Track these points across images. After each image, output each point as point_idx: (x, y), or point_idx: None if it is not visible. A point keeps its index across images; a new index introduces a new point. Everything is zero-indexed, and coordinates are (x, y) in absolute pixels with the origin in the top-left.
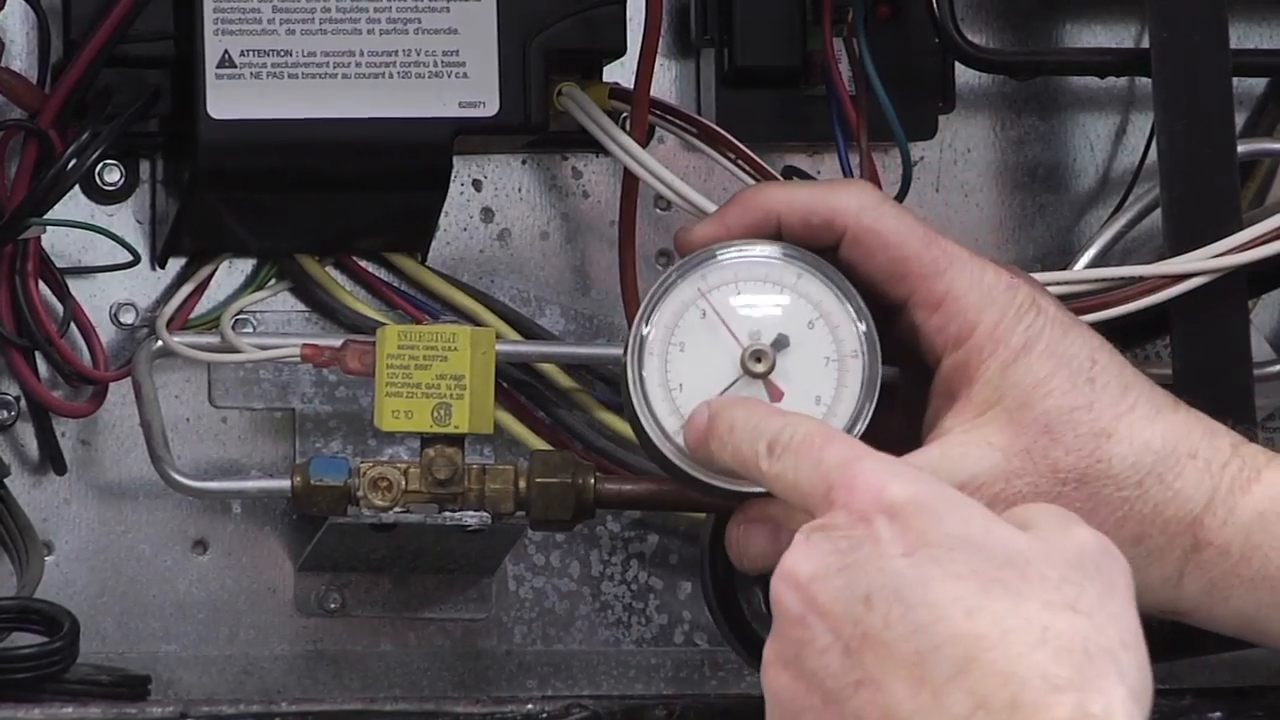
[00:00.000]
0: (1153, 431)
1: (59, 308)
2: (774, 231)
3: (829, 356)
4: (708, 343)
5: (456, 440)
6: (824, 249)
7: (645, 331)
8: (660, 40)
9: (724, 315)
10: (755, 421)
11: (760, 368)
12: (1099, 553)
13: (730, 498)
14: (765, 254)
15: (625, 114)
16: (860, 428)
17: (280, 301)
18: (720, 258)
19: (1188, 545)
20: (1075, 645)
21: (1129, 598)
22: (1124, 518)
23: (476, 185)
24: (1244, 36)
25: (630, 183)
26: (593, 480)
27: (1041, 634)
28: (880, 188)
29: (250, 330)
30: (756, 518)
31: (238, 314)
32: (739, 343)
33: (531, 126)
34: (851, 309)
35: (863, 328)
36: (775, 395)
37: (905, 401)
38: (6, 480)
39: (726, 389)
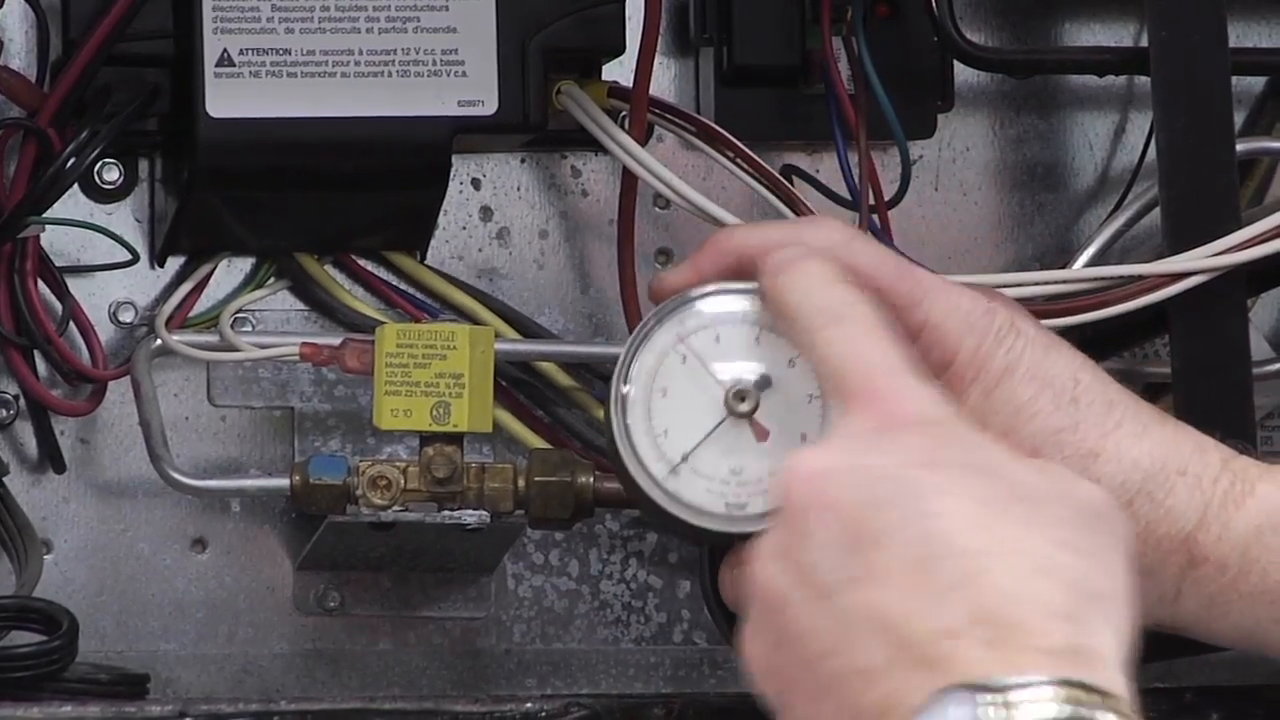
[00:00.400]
0: (1140, 449)
1: (58, 306)
2: (747, 274)
3: (811, 394)
4: (690, 387)
5: (455, 439)
6: None
7: (627, 380)
8: (659, 39)
9: (704, 358)
10: (830, 278)
11: (744, 407)
12: (1107, 507)
13: (719, 540)
14: (741, 294)
15: (624, 113)
16: None
17: (279, 300)
18: (696, 302)
19: (1183, 562)
20: (1075, 582)
21: (1128, 555)
22: None
23: (475, 184)
24: (1243, 35)
25: (629, 181)
26: (592, 479)
27: (1044, 563)
28: (879, 187)
29: (249, 329)
30: (748, 560)
31: (237, 312)
32: (721, 385)
33: (530, 125)
34: None
35: None
36: (761, 435)
37: None
38: (5, 479)
39: (712, 431)
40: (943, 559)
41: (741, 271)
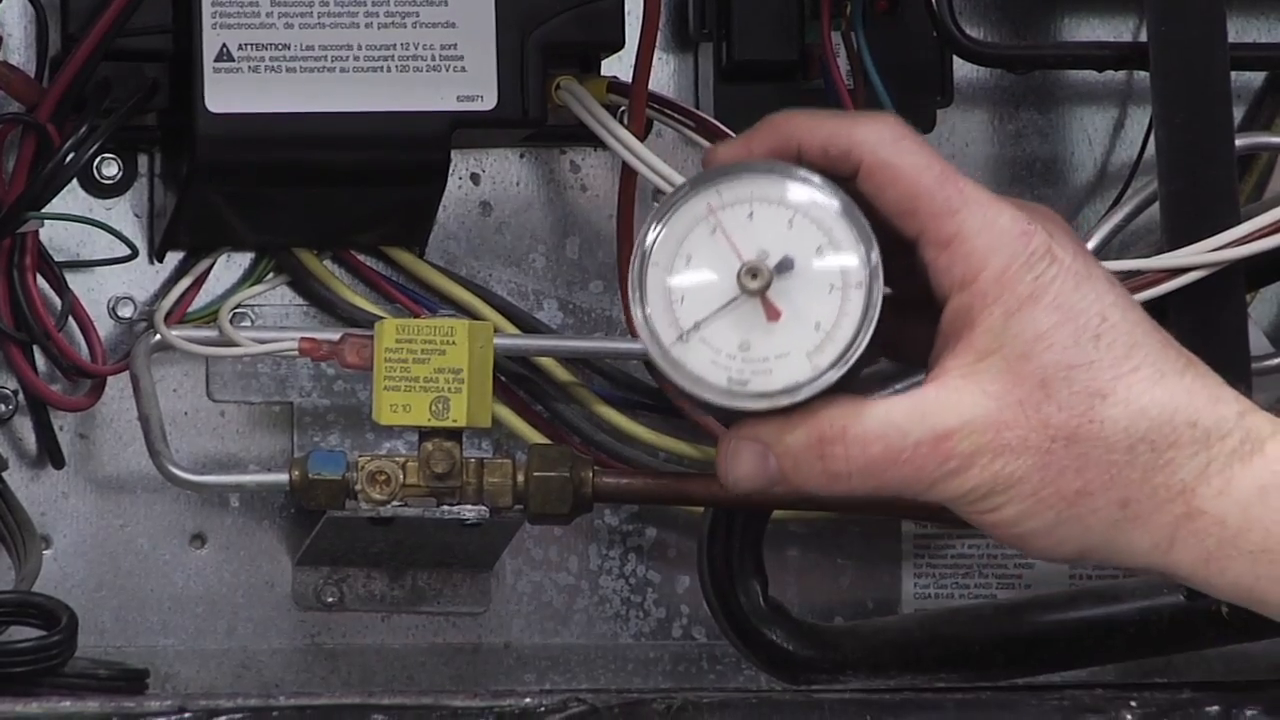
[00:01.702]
0: (1151, 396)
1: (57, 302)
2: (794, 157)
3: (833, 284)
4: (713, 258)
5: (454, 434)
6: (842, 179)
7: (653, 239)
8: (658, 34)
9: (731, 232)
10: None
11: (754, 285)
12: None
13: (720, 414)
14: (781, 176)
15: (623, 108)
16: (854, 357)
17: (278, 295)
18: (736, 175)
19: (1179, 513)
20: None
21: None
22: (1111, 481)
23: (474, 179)
24: (1242, 30)
25: (628, 176)
26: (591, 474)
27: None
28: None
29: (248, 324)
30: (747, 437)
31: (236, 308)
32: (740, 259)
33: (530, 120)
34: (861, 239)
35: (870, 259)
36: (773, 314)
37: (913, 339)
38: (5, 474)
39: (725, 305)
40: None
41: (789, 154)
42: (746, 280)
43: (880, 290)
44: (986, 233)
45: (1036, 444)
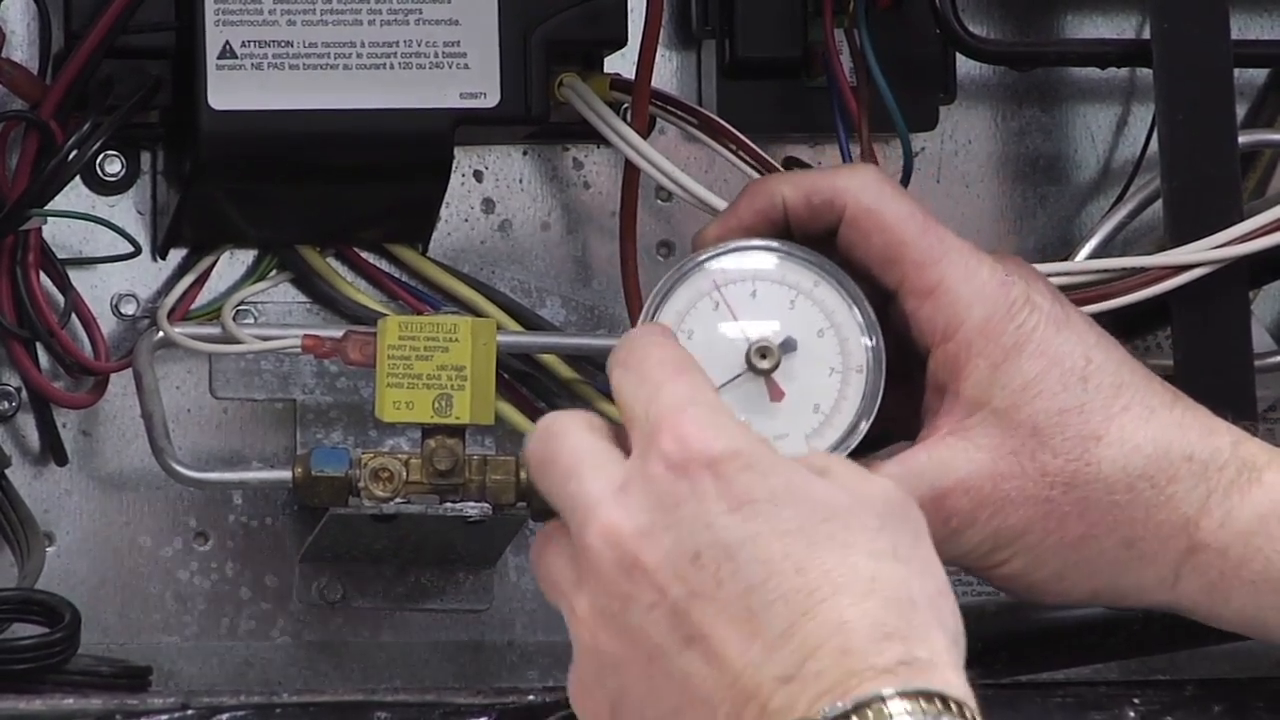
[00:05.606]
0: (1144, 434)
1: (60, 299)
2: (780, 216)
3: (834, 367)
4: (716, 335)
5: (457, 431)
6: (826, 232)
7: (656, 315)
8: (661, 31)
9: (736, 309)
10: (637, 335)
11: (765, 364)
12: (902, 502)
13: None
14: (785, 254)
15: (626, 105)
16: (854, 441)
17: (281, 292)
18: (740, 253)
19: (1183, 547)
20: (901, 594)
21: (931, 546)
22: (1115, 522)
23: (477, 176)
24: (1245, 27)
25: (631, 174)
26: None
27: (870, 584)
28: None
29: (251, 321)
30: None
31: (239, 305)
32: (746, 338)
33: (532, 117)
34: (863, 322)
35: (871, 343)
36: (776, 394)
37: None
38: (7, 471)
39: (729, 382)
40: (770, 606)
41: (775, 214)
42: (756, 359)
43: (882, 375)
44: (968, 284)
45: (1035, 493)
